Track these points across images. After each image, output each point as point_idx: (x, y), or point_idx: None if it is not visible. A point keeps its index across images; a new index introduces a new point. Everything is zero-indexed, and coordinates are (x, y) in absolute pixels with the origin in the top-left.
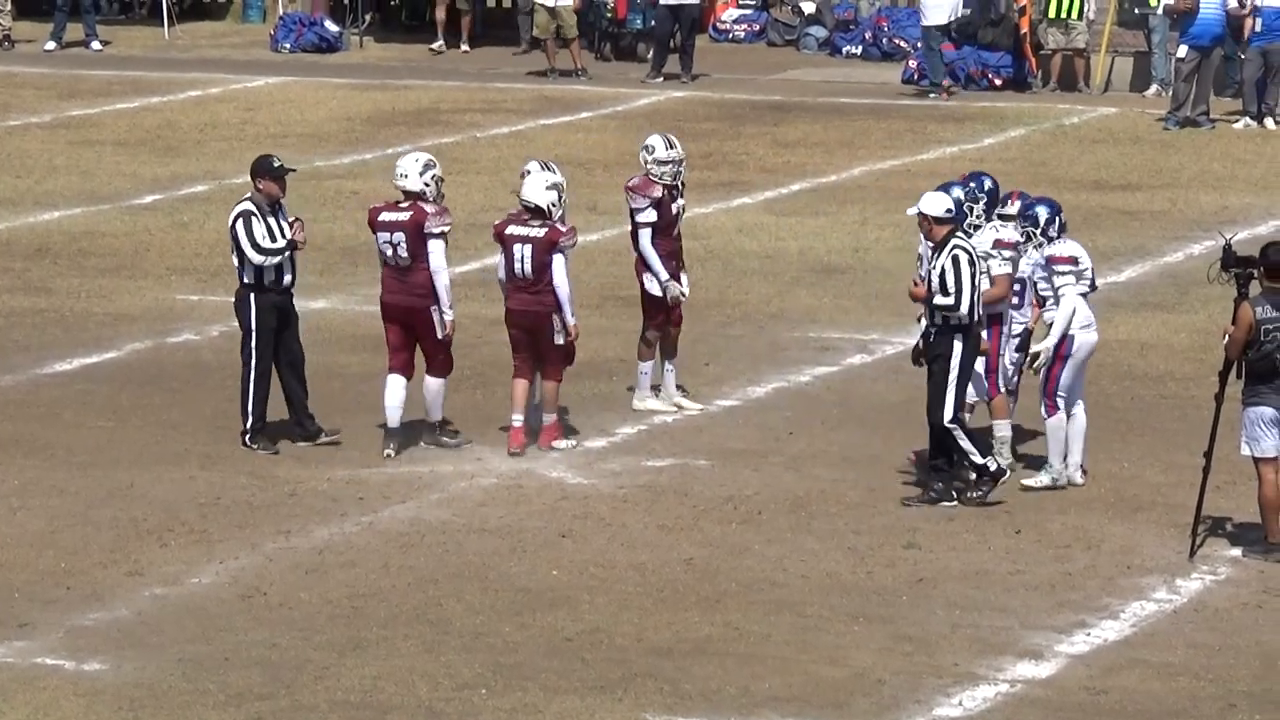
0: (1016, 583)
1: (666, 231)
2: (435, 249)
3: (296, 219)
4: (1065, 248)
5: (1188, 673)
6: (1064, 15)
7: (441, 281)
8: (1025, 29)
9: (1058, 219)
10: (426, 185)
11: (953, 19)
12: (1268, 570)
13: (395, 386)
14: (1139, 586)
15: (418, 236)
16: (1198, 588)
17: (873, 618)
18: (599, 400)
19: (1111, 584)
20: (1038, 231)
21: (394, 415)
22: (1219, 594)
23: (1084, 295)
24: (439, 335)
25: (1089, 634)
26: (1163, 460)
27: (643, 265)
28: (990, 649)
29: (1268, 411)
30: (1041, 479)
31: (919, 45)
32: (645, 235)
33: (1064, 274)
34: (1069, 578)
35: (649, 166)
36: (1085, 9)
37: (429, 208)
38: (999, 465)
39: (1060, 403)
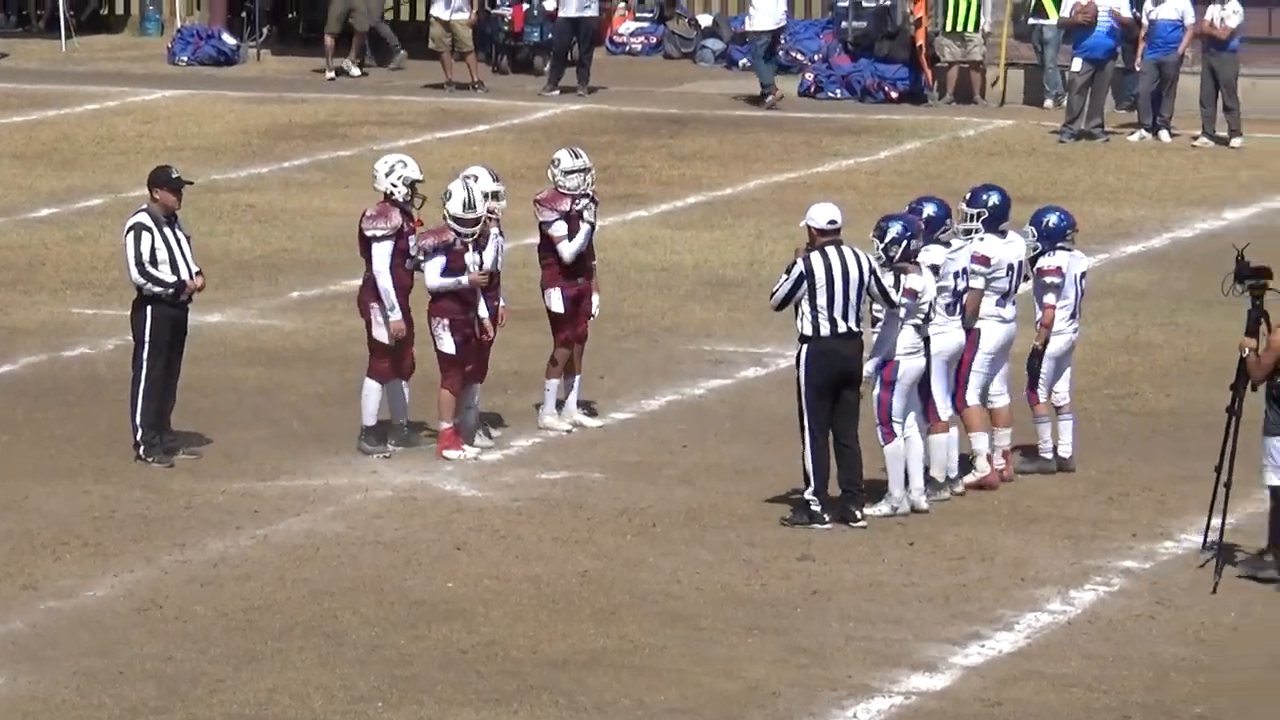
0: (911, 595)
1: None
2: (377, 252)
3: (200, 272)
4: (913, 281)
5: (1081, 684)
6: (960, 28)
7: (381, 283)
8: (921, 41)
9: (907, 241)
10: (394, 186)
11: (777, 26)
12: (1160, 581)
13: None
14: (1033, 598)
15: (361, 238)
16: (1091, 599)
17: (767, 630)
18: (494, 413)
19: (1005, 595)
20: (880, 248)
21: (366, 414)
22: (1112, 605)
23: (917, 325)
24: (373, 334)
25: (983, 645)
26: (1056, 472)
27: (549, 281)
28: (884, 661)
29: None
30: (881, 508)
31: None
32: (563, 247)
33: (902, 304)
34: (963, 589)
35: (557, 179)
36: (981, 21)
37: (370, 210)
38: (818, 511)
39: (897, 429)
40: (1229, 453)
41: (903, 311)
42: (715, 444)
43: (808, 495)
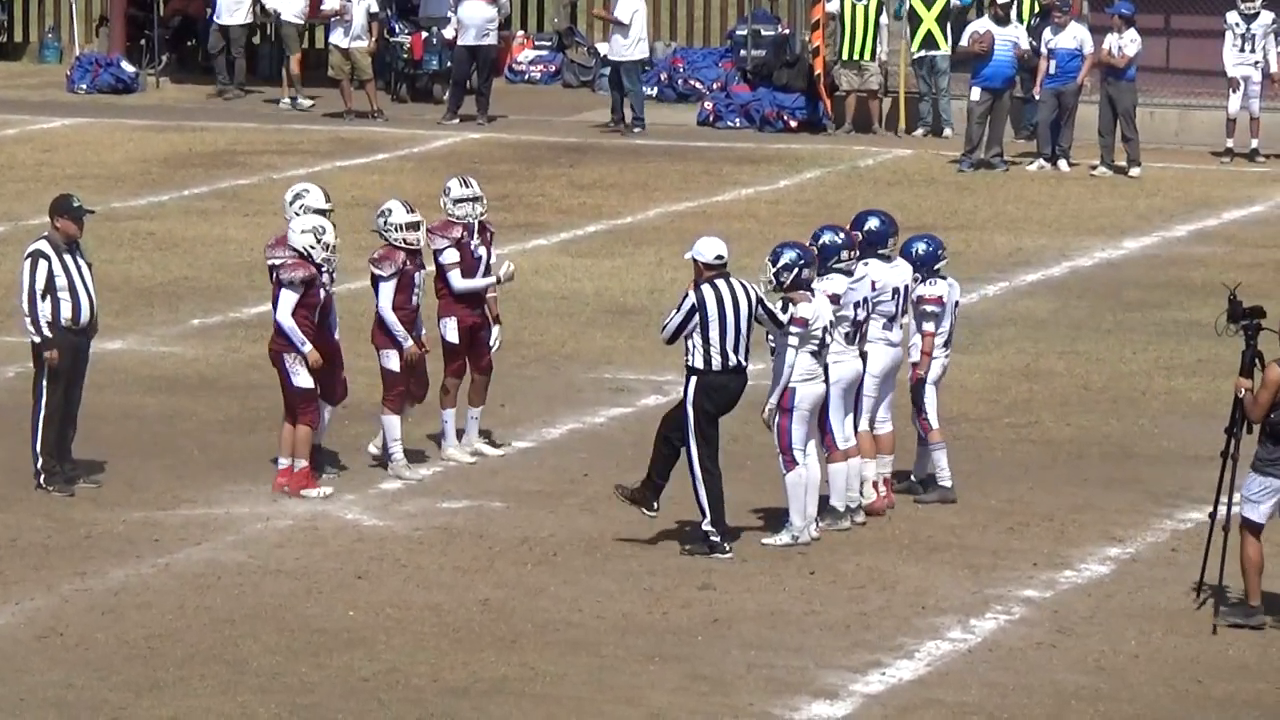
0: (812, 623)
1: (468, 275)
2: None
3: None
4: (803, 310)
5: (982, 712)
6: (857, 57)
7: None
8: (819, 71)
9: (799, 268)
10: (296, 214)
11: (643, 56)
12: (1061, 610)
13: None
14: (933, 626)
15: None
16: (992, 627)
17: (668, 658)
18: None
19: (906, 624)
20: (772, 272)
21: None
22: (1012, 633)
23: (815, 351)
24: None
25: (884, 673)
26: (957, 501)
27: (444, 311)
28: (785, 689)
29: (1278, 483)
30: (782, 537)
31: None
32: (454, 276)
33: (793, 334)
34: (864, 617)
35: (447, 207)
36: (878, 51)
37: (272, 239)
38: (718, 542)
39: (799, 456)
40: (1227, 497)
41: (794, 340)
42: (617, 472)
43: (705, 527)
